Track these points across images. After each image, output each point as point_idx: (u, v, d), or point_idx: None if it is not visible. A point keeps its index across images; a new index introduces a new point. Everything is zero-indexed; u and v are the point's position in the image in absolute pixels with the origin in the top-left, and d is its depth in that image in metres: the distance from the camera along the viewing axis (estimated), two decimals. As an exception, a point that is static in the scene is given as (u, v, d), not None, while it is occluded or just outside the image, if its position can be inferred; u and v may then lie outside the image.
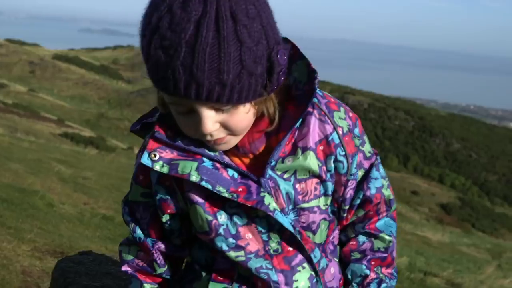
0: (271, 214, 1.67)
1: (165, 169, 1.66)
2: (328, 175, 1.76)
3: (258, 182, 1.70)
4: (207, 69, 1.44)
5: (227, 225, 1.70)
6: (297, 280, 1.75)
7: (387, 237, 1.90)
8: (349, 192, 1.82)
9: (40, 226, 7.00)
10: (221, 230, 1.70)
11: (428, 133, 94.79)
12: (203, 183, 1.64)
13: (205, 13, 1.42)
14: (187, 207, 1.75)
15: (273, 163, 1.70)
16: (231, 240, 1.71)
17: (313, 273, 1.78)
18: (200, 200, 1.70)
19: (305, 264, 1.76)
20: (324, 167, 1.75)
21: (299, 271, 1.75)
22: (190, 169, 1.65)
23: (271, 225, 1.71)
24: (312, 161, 1.72)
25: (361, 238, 1.89)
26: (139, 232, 1.83)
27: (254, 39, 1.47)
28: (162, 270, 1.86)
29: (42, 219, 7.58)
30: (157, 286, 1.88)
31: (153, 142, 1.68)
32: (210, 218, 1.69)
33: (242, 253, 1.71)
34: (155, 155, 1.66)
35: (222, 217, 1.70)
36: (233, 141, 1.66)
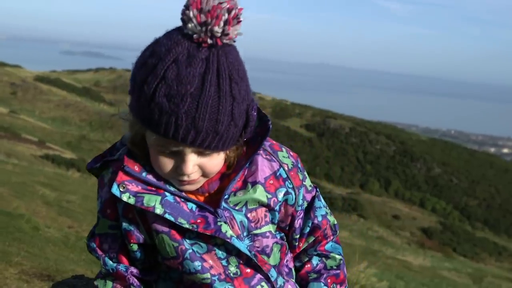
0: (228, 240, 1.83)
1: (131, 200, 1.81)
2: (278, 205, 1.94)
3: (214, 213, 1.85)
4: (207, 119, 1.64)
5: (192, 250, 1.85)
6: None
7: (337, 256, 2.11)
8: (298, 222, 2.02)
9: (26, 250, 6.98)
10: (187, 255, 1.83)
11: (409, 157, 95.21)
12: (167, 216, 1.80)
13: (208, 69, 1.63)
14: (149, 238, 1.91)
15: (226, 196, 1.87)
16: (197, 263, 1.84)
17: None
18: (165, 229, 1.84)
19: (263, 283, 1.91)
20: (275, 199, 1.93)
21: None
22: (155, 202, 1.80)
23: (229, 251, 1.86)
24: (260, 193, 1.89)
25: (315, 260, 2.08)
26: (110, 263, 1.93)
27: (241, 96, 1.70)
28: None
29: (28, 243, 7.57)
30: None
31: (122, 175, 1.82)
32: (176, 244, 1.84)
33: (208, 275, 1.84)
34: (124, 187, 1.80)
35: (186, 245, 1.85)
36: (201, 182, 1.86)
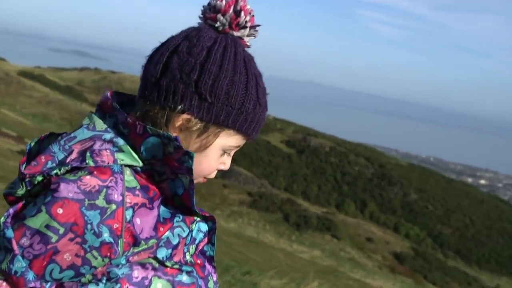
0: (212, 218, 1.82)
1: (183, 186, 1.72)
2: None
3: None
4: None
5: (167, 238, 1.70)
6: None
7: None
8: None
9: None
10: (161, 243, 1.68)
11: (387, 181, 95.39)
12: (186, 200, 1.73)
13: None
14: (121, 253, 1.62)
15: None
16: (170, 251, 1.70)
17: (215, 283, 1.89)
18: (152, 233, 1.66)
19: (212, 274, 1.87)
20: None
21: (209, 280, 1.84)
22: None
23: (193, 239, 1.77)
24: None
25: None
26: (21, 264, 1.55)
27: None
28: None
29: None
30: None
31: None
32: (156, 241, 1.68)
33: (173, 262, 1.71)
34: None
35: (167, 232, 1.69)
36: None
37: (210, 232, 1.84)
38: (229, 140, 1.75)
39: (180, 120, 1.67)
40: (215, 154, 1.76)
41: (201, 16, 1.75)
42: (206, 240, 1.83)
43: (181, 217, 1.74)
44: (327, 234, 67.12)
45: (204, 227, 1.81)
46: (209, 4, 1.74)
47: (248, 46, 1.77)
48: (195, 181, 1.72)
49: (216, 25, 1.72)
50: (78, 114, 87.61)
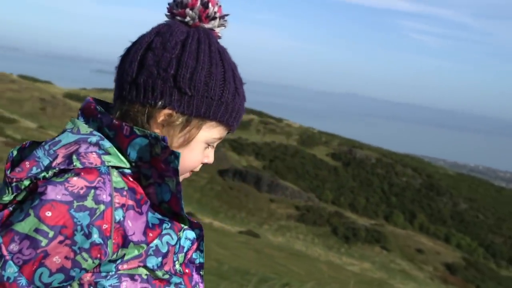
0: (200, 226, 1.78)
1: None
2: None
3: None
4: None
5: (156, 245, 1.66)
6: None
7: None
8: None
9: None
10: (150, 251, 1.64)
11: (435, 191, 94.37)
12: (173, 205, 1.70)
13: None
14: (110, 254, 1.59)
15: None
16: (160, 259, 1.66)
17: None
18: (142, 238, 1.63)
19: (200, 284, 1.83)
20: None
21: None
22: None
23: (182, 248, 1.73)
24: None
25: None
26: (13, 269, 1.49)
27: None
28: None
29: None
30: None
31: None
32: (145, 246, 1.64)
33: (163, 271, 1.68)
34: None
35: (155, 239, 1.66)
36: None
37: (198, 239, 1.80)
38: (212, 132, 1.74)
39: (162, 115, 1.66)
40: (199, 147, 1.75)
41: (168, 14, 1.75)
42: (194, 247, 1.79)
43: (169, 224, 1.69)
44: (377, 246, 66.53)
45: (191, 234, 1.77)
46: (174, 0, 1.74)
47: (220, 37, 1.77)
48: (182, 177, 1.74)
49: (186, 20, 1.73)
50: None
